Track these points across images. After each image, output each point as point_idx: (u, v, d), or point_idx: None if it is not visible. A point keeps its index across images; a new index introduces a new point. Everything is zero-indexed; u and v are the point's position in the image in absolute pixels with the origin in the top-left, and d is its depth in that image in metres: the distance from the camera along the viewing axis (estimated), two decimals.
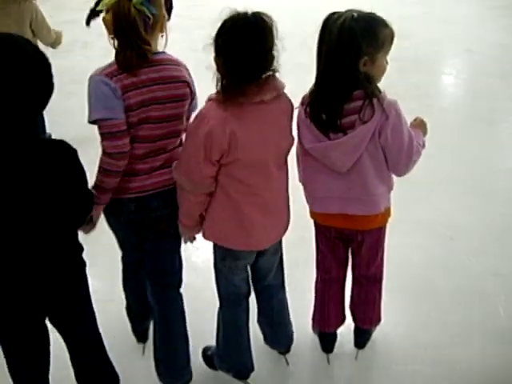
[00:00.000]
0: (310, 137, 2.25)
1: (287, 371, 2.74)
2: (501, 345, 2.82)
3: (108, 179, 2.21)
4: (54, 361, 2.26)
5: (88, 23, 2.29)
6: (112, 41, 2.17)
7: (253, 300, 2.60)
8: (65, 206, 1.93)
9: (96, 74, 2.17)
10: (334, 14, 2.16)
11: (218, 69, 2.05)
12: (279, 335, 2.71)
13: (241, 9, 2.01)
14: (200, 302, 2.87)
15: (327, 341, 2.78)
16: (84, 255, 2.11)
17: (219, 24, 2.01)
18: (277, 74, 2.12)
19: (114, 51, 2.20)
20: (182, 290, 2.60)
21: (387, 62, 2.24)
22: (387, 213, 2.44)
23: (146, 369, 2.66)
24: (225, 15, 2.00)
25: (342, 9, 2.19)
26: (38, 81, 1.78)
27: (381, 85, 2.24)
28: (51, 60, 1.83)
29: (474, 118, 5.27)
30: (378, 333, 2.80)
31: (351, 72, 2.14)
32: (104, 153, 2.18)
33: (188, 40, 4.69)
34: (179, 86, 2.26)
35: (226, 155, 2.10)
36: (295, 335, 2.73)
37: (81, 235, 2.13)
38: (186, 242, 2.48)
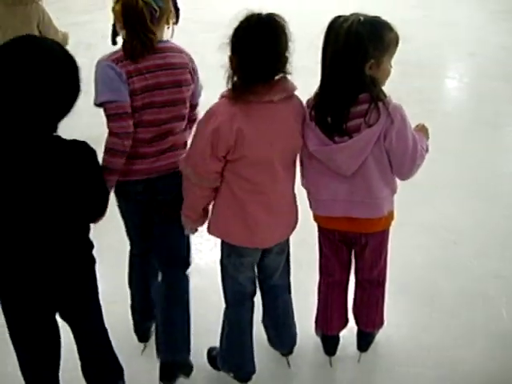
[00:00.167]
0: (314, 140, 2.26)
1: (289, 373, 2.74)
2: (504, 347, 2.82)
3: (114, 159, 2.29)
4: (63, 362, 2.28)
5: (114, 42, 2.45)
6: (120, 30, 2.33)
7: (258, 301, 2.61)
8: (81, 204, 1.97)
9: (103, 59, 2.30)
10: (339, 17, 2.17)
11: (232, 66, 2.10)
12: (283, 336, 2.71)
13: (256, 10, 2.07)
14: (204, 304, 2.89)
15: (330, 344, 2.78)
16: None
17: (236, 24, 2.07)
18: (288, 77, 2.16)
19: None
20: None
21: (391, 66, 2.25)
22: (390, 216, 2.45)
23: (147, 370, 2.67)
24: (241, 16, 2.06)
25: (345, 12, 2.20)
26: (66, 84, 1.83)
27: (384, 89, 2.24)
28: None
29: (477, 121, 5.26)
30: (380, 335, 2.81)
31: (357, 75, 2.15)
32: (110, 133, 2.28)
33: (193, 43, 4.69)
34: (182, 72, 2.38)
35: (232, 152, 2.14)
36: (298, 337, 2.73)
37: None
38: (187, 233, 2.51)
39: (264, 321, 2.68)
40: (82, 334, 2.24)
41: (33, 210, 1.88)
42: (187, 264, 2.68)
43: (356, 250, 2.57)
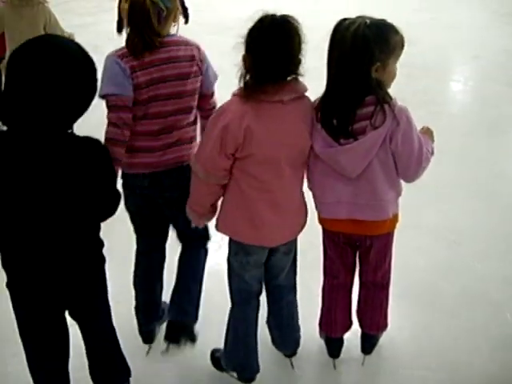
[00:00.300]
0: (320, 141, 2.26)
1: (293, 375, 2.74)
2: (506, 349, 2.82)
3: (115, 148, 2.32)
4: (71, 361, 2.29)
5: (120, 30, 2.55)
6: (126, 27, 2.40)
7: (264, 301, 2.62)
8: (93, 201, 1.98)
9: (111, 54, 2.39)
10: (345, 20, 2.17)
11: (245, 66, 2.13)
12: (287, 337, 2.71)
13: (271, 11, 2.11)
14: (208, 306, 2.88)
15: (333, 346, 2.78)
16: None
17: (251, 25, 2.10)
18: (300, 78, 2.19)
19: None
20: None
21: (397, 68, 2.26)
22: (395, 218, 2.45)
23: (152, 371, 2.69)
24: (256, 17, 2.10)
25: (349, 14, 2.21)
26: (83, 82, 1.85)
27: (389, 91, 2.24)
28: None
29: (481, 124, 5.27)
30: (384, 338, 2.80)
31: (364, 78, 2.15)
32: (110, 123, 2.36)
33: None
34: (187, 64, 2.43)
35: (240, 149, 2.16)
36: (302, 339, 2.73)
37: None
38: (193, 226, 2.51)
39: (268, 321, 2.68)
40: (90, 333, 2.25)
41: (44, 207, 1.89)
42: (206, 238, 2.79)
43: (360, 253, 2.57)
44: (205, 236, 2.78)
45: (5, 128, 1.84)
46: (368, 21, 2.14)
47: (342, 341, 2.77)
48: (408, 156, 2.25)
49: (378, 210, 2.34)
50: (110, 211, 2.12)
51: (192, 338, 2.67)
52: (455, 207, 3.98)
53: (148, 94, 2.38)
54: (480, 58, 6.89)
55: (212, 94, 2.62)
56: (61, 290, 2.06)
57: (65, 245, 1.99)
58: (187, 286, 2.75)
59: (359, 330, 2.76)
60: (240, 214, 2.32)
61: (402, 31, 2.22)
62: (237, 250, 2.43)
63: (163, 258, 2.84)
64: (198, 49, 2.50)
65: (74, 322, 2.23)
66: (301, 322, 2.71)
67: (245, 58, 2.13)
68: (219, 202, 2.41)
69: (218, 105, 2.35)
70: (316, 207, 2.45)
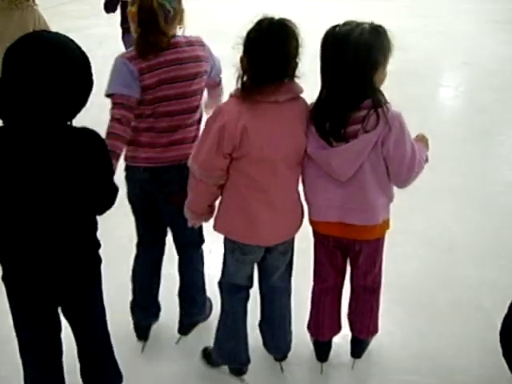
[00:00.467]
0: (314, 143, 2.27)
1: (283, 379, 2.73)
2: (498, 356, 2.80)
3: (116, 142, 2.38)
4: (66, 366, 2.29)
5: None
6: (135, 31, 2.48)
7: (257, 305, 2.65)
8: (90, 193, 1.98)
9: (120, 56, 2.47)
10: (336, 26, 2.18)
11: (243, 67, 2.16)
12: (278, 340, 2.71)
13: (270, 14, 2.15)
14: None
15: (322, 350, 2.78)
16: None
17: (249, 27, 2.14)
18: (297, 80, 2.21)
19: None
20: None
21: (387, 73, 2.27)
22: (386, 224, 2.45)
23: (146, 369, 2.72)
24: (255, 19, 2.14)
25: (341, 19, 2.21)
26: (79, 76, 1.84)
27: None
28: None
29: (472, 130, 5.30)
30: (374, 343, 2.80)
31: (366, 84, 2.16)
32: (113, 119, 2.41)
33: None
34: (193, 65, 2.51)
35: (237, 149, 2.19)
36: (293, 344, 2.73)
37: None
38: (190, 226, 2.52)
39: (261, 324, 2.69)
40: (83, 333, 2.23)
41: (42, 199, 1.89)
42: (200, 242, 2.85)
43: (350, 257, 2.57)
44: (199, 242, 2.85)
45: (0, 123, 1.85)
46: (367, 26, 2.14)
47: (330, 345, 2.77)
48: (399, 161, 2.24)
49: (368, 215, 2.34)
50: (108, 203, 2.11)
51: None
52: (446, 213, 3.99)
53: (155, 95, 2.46)
54: (471, 64, 6.94)
55: (220, 82, 2.79)
56: (54, 285, 2.05)
57: (61, 239, 1.98)
58: (191, 294, 2.86)
59: (349, 335, 2.76)
60: (236, 214, 2.34)
61: (394, 37, 2.23)
62: (233, 249, 2.45)
63: (162, 252, 2.89)
64: (203, 45, 2.59)
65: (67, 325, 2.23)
66: (292, 326, 2.70)
67: (242, 59, 2.16)
68: (217, 203, 2.42)
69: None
70: (307, 209, 2.46)
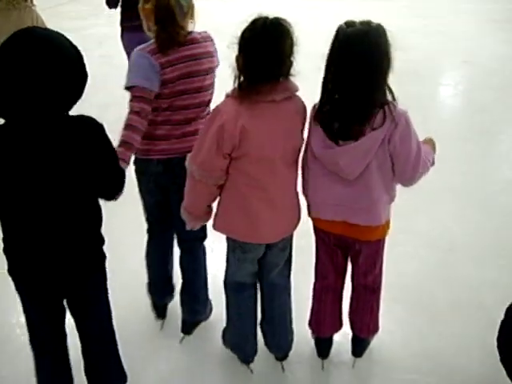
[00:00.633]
0: (319, 143, 2.27)
1: (284, 378, 2.74)
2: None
3: (133, 134, 2.44)
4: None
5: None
6: (149, 27, 2.53)
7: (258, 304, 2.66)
8: (94, 180, 1.98)
9: (140, 49, 2.51)
10: (347, 26, 2.15)
11: (238, 67, 2.16)
12: (279, 339, 2.72)
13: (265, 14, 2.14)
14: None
15: (323, 346, 2.79)
16: None
17: (244, 26, 2.14)
18: (292, 78, 2.21)
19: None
20: None
21: None
22: (387, 225, 2.45)
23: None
24: (250, 19, 2.13)
25: (341, 19, 2.21)
26: (73, 68, 1.85)
27: None
28: None
29: (472, 129, 5.29)
30: (375, 342, 2.80)
31: (384, 83, 2.18)
32: (132, 111, 2.45)
33: None
34: (207, 61, 2.58)
35: (236, 149, 2.19)
36: (295, 342, 2.74)
37: None
38: (188, 228, 2.51)
39: (262, 323, 2.70)
40: (86, 328, 2.23)
41: (46, 190, 1.89)
42: (203, 238, 2.87)
43: (351, 256, 2.57)
44: (202, 237, 2.87)
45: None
46: (374, 25, 2.13)
47: (330, 341, 2.78)
48: (405, 158, 2.24)
49: (372, 215, 2.34)
50: (116, 187, 2.11)
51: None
52: (447, 213, 3.99)
53: (174, 89, 2.51)
54: (471, 63, 6.93)
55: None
56: (58, 277, 2.06)
57: (65, 230, 1.98)
58: (194, 290, 2.90)
59: (350, 333, 2.77)
60: (236, 213, 2.34)
61: (394, 37, 2.23)
62: (234, 247, 2.46)
63: (172, 237, 2.92)
64: (211, 41, 2.64)
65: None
66: (294, 324, 2.71)
67: (238, 59, 2.16)
68: (214, 204, 2.42)
69: (213, 106, 2.38)
70: (310, 207, 2.46)
